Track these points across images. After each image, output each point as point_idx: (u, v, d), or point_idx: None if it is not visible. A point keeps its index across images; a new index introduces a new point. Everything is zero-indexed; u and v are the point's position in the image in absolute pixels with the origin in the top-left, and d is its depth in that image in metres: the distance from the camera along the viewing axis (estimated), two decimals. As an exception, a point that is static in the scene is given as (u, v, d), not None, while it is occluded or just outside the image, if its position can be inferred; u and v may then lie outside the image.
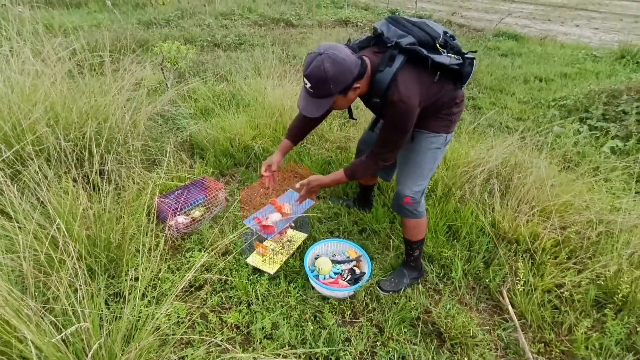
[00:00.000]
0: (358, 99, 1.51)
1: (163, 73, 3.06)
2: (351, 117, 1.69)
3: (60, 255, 1.35)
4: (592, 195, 2.07)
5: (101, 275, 1.48)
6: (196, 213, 2.08)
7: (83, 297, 1.26)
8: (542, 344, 1.49)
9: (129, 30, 4.49)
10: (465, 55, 1.41)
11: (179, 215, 2.02)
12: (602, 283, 1.65)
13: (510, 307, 1.63)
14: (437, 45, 1.36)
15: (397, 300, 1.64)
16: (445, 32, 1.41)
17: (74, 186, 1.67)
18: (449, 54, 1.37)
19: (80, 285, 1.24)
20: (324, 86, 1.25)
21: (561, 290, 1.65)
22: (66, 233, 1.30)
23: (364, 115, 2.96)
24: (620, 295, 1.56)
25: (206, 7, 7.29)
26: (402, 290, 1.69)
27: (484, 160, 2.28)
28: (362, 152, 1.85)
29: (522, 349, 1.47)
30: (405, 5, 10.60)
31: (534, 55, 5.83)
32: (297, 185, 1.63)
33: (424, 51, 1.32)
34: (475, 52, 1.52)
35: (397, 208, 1.62)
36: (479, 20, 9.12)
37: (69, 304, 1.22)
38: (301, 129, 1.69)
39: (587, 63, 5.38)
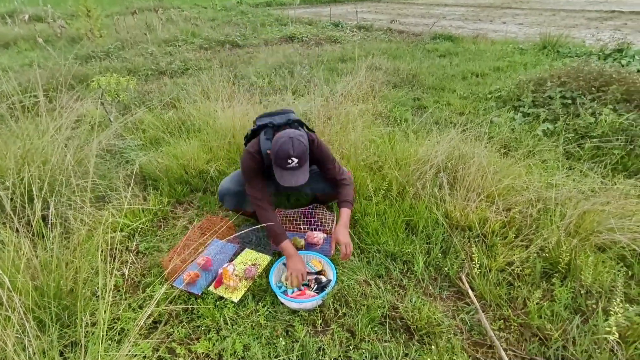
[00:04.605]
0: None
1: (104, 107, 2.97)
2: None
3: (5, 312, 1.26)
4: (530, 177, 2.25)
5: (53, 326, 1.39)
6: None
7: (34, 353, 1.18)
8: (502, 321, 1.58)
9: (65, 67, 4.31)
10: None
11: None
12: (547, 255, 1.79)
13: (470, 291, 1.72)
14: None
15: (365, 302, 1.68)
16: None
17: (16, 236, 1.57)
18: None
19: (29, 341, 1.17)
20: (306, 154, 1.71)
21: (512, 268, 1.77)
22: (10, 287, 1.22)
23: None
24: (563, 263, 1.70)
25: (147, 35, 7.17)
26: None
27: (431, 156, 2.41)
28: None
29: (484, 328, 1.55)
30: (347, 17, 11.01)
31: (469, 53, 6.25)
32: (341, 248, 1.81)
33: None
34: (313, 131, 2.00)
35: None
36: (417, 25, 9.65)
37: (18, 363, 1.14)
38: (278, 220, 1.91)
39: (516, 56, 5.85)
